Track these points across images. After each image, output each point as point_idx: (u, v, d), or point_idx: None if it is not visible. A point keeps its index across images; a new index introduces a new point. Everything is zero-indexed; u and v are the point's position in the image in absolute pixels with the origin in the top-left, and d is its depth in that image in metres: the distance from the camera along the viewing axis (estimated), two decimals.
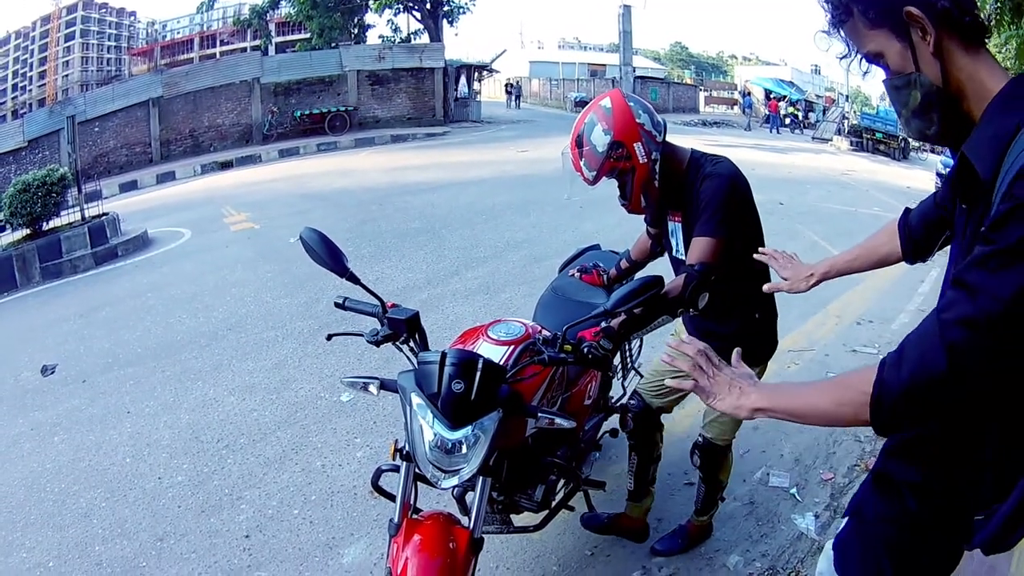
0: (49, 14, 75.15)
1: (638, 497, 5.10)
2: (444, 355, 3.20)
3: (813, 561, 4.91)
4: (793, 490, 5.94)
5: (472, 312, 10.01)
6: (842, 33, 2.11)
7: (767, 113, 56.47)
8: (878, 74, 2.11)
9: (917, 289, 11.99)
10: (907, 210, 3.10)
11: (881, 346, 8.94)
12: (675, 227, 4.37)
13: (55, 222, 17.39)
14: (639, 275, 4.53)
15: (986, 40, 2.01)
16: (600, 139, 3.96)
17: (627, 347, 6.05)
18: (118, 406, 8.26)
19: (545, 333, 3.84)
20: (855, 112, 61.84)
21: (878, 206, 20.97)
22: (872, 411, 1.87)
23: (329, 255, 3.60)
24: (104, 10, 79.54)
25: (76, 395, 8.75)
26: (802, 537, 5.36)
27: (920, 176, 31.68)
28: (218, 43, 72.86)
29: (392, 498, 3.43)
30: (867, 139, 45.41)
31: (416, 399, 3.24)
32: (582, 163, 4.01)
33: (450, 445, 3.17)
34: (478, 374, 3.15)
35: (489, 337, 3.91)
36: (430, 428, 3.19)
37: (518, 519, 4.39)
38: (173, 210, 22.27)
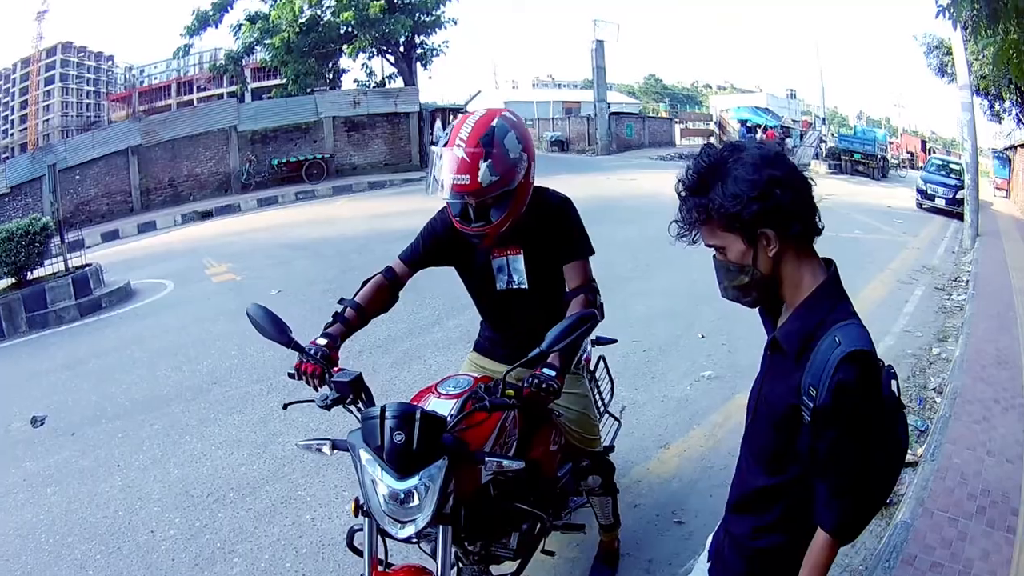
0: (29, 56, 74.84)
1: (615, 528, 5.36)
2: (383, 409, 3.29)
3: None
4: None
5: (453, 362, 9.71)
6: (692, 220, 2.64)
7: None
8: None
9: (902, 310, 12.48)
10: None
11: None
12: (506, 261, 4.30)
13: (39, 272, 17.43)
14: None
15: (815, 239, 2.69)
16: (514, 145, 3.84)
17: (598, 391, 5.94)
18: (108, 459, 8.38)
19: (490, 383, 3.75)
20: (832, 134, 62.11)
21: (859, 228, 21.58)
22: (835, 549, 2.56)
23: (274, 327, 3.90)
24: (83, 54, 79.23)
25: (66, 447, 8.85)
26: None
27: (900, 194, 32.46)
28: (195, 89, 72.68)
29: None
30: (845, 161, 45.97)
31: (364, 454, 3.33)
32: (485, 165, 3.71)
33: (402, 495, 3.23)
34: (417, 423, 3.22)
35: (439, 392, 3.97)
36: (380, 481, 3.28)
37: (498, 569, 4.41)
38: (155, 261, 22.34)
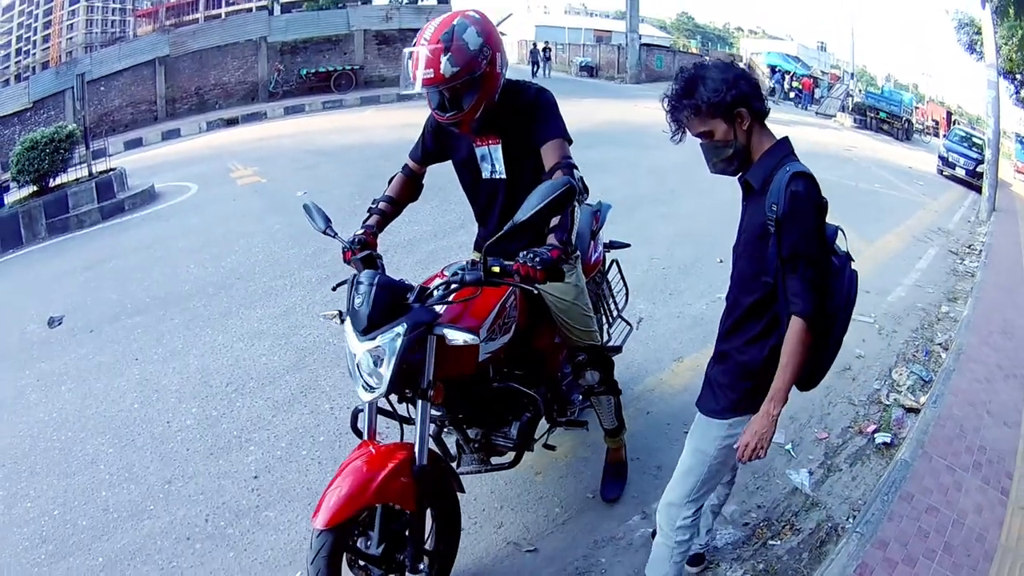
0: None
1: (620, 432, 5.38)
2: (354, 277, 3.77)
3: (807, 516, 5.26)
4: (788, 446, 6.09)
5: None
6: (681, 120, 3.51)
7: (771, 86, 56.43)
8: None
9: (915, 265, 12.28)
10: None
11: (877, 316, 9.11)
12: (488, 151, 4.47)
13: (62, 179, 17.31)
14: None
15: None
16: (473, 39, 3.98)
17: (611, 294, 6.19)
18: (126, 354, 8.24)
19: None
20: (860, 90, 61.71)
21: (879, 182, 21.31)
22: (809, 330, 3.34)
23: (321, 219, 4.28)
24: None
25: (83, 345, 8.72)
26: (796, 492, 5.54)
27: (922, 158, 31.94)
28: (223, 3, 72.37)
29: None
30: (871, 118, 45.25)
31: (347, 322, 3.71)
32: (445, 58, 3.91)
33: (370, 360, 3.55)
34: (373, 289, 3.58)
35: (443, 274, 4.28)
36: (350, 344, 3.64)
37: (495, 459, 4.65)
38: (179, 165, 22.13)
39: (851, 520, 5.18)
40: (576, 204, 4.38)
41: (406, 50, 4.06)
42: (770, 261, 3.40)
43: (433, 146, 4.69)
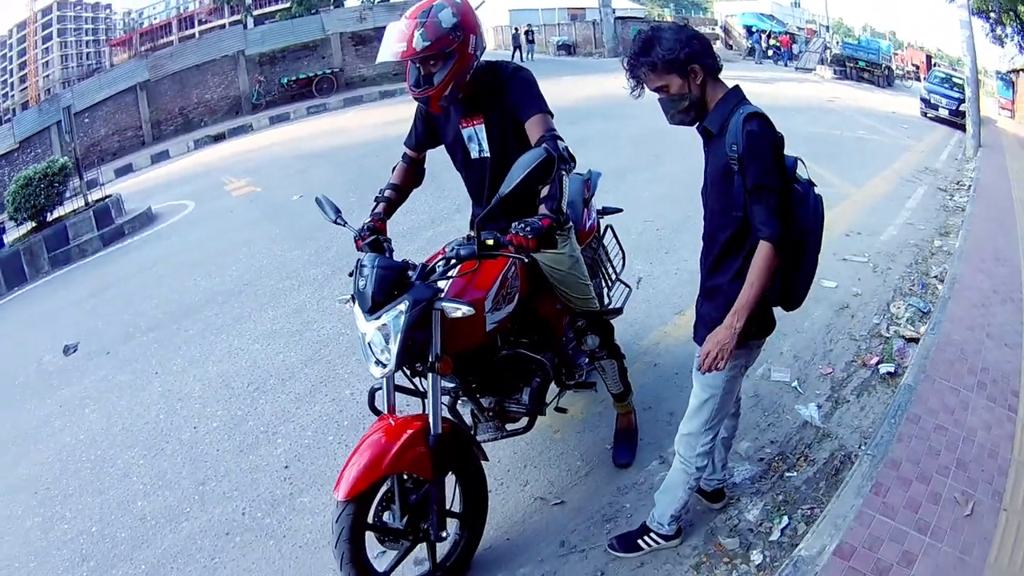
0: (24, 19, 74.63)
1: (626, 396, 5.45)
2: (358, 261, 3.88)
3: (820, 447, 5.43)
4: (795, 383, 6.23)
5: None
6: (639, 76, 3.75)
7: (750, 46, 56.53)
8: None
9: (904, 205, 12.34)
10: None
11: (871, 255, 9.17)
12: (473, 131, 4.58)
13: (59, 212, 17.40)
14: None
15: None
16: (448, 18, 4.07)
17: (608, 259, 6.28)
18: (145, 370, 8.34)
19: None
20: (837, 42, 61.64)
21: (863, 129, 21.31)
22: (776, 253, 3.54)
23: (332, 210, 4.45)
24: (79, 6, 78.98)
25: (102, 367, 8.80)
26: (807, 425, 5.69)
27: (905, 102, 31.89)
28: (196, 23, 72.29)
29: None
30: (850, 67, 45.09)
31: (356, 304, 3.87)
32: (418, 33, 4.01)
33: (379, 339, 3.72)
34: (375, 270, 3.73)
35: (444, 252, 4.26)
36: (358, 323, 3.81)
37: (512, 427, 4.77)
38: (173, 185, 22.30)
39: (862, 447, 5.30)
40: (564, 173, 4.31)
41: (388, 25, 4.15)
42: (737, 196, 3.67)
43: (424, 132, 4.81)
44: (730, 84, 3.82)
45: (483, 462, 4.28)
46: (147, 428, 6.97)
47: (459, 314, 3.73)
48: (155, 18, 77.68)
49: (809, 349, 6.79)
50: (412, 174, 5.00)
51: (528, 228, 3.77)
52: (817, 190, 3.82)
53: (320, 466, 5.79)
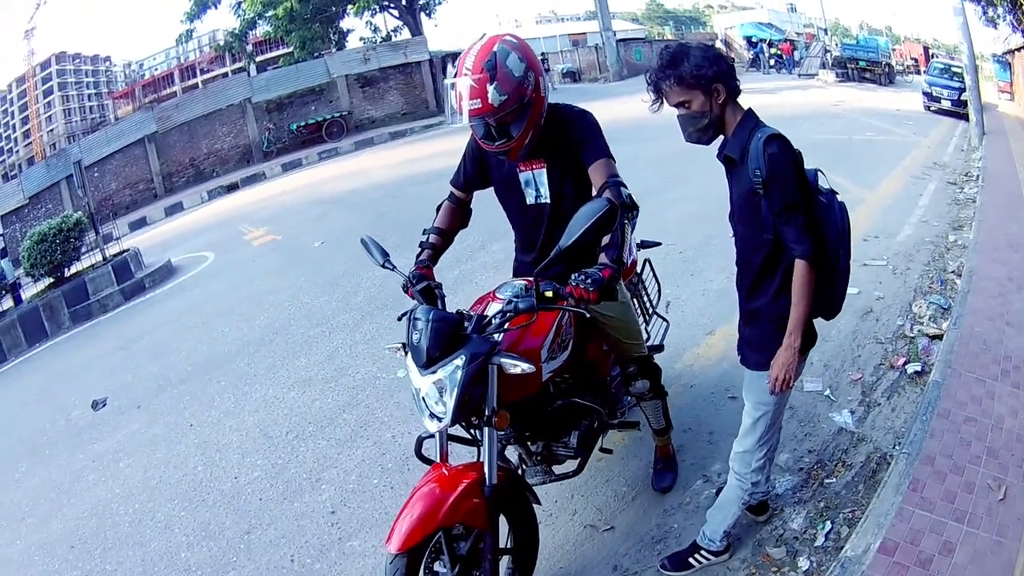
0: (23, 74, 75.10)
1: (667, 431, 5.39)
2: (411, 312, 3.84)
3: (856, 451, 5.56)
4: (827, 392, 6.32)
5: (503, 280, 9.82)
6: (663, 89, 3.80)
7: (752, 56, 56.73)
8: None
9: (917, 203, 12.48)
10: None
11: (889, 258, 9.28)
12: (531, 175, 4.49)
13: (76, 267, 17.40)
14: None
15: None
16: (516, 65, 3.96)
17: (645, 294, 6.21)
18: (179, 422, 8.31)
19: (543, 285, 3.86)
20: (836, 44, 61.90)
21: (870, 131, 21.40)
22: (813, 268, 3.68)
23: (379, 253, 4.35)
24: (78, 59, 79.56)
25: (133, 421, 8.78)
26: (842, 431, 5.83)
27: (908, 98, 32.06)
28: (198, 72, 72.78)
29: (432, 462, 3.94)
30: (852, 69, 45.47)
31: (409, 356, 3.82)
32: (492, 87, 3.89)
33: (433, 392, 3.64)
34: (429, 324, 3.65)
35: (496, 297, 4.25)
36: (412, 377, 3.77)
37: (559, 468, 4.70)
38: (190, 237, 22.35)
39: (897, 447, 5.43)
40: (627, 221, 4.35)
41: (447, 81, 4.07)
42: (765, 219, 3.75)
43: (474, 172, 4.70)
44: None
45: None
46: (185, 480, 6.94)
47: (518, 370, 3.69)
48: (156, 69, 78.60)
49: (838, 357, 6.87)
50: (459, 215, 4.90)
51: (590, 280, 3.68)
52: (839, 197, 3.94)
53: (367, 509, 5.76)
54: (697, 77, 3.68)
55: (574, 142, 4.30)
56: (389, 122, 41.46)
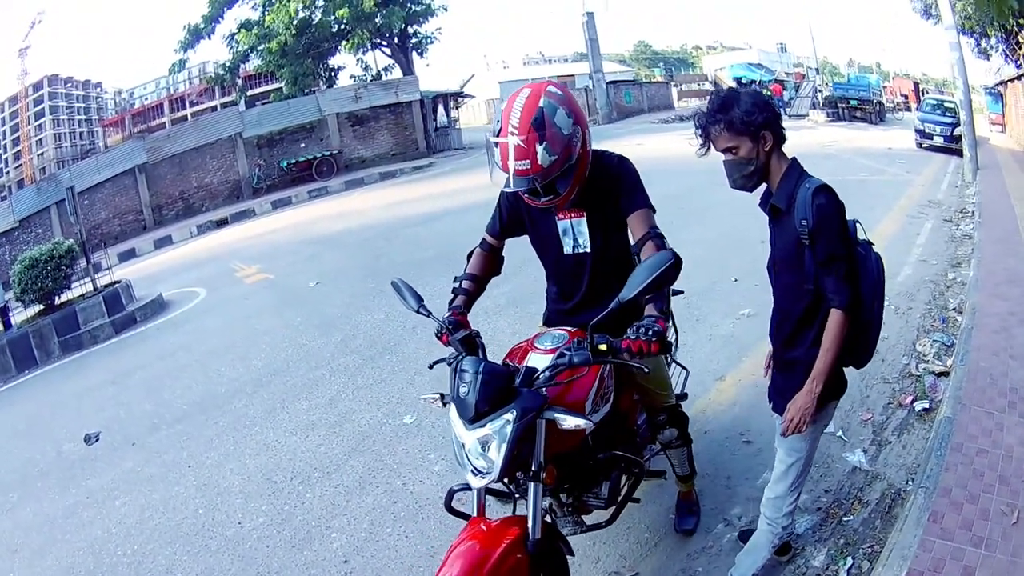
0: (16, 94, 74.93)
1: (691, 477, 5.41)
2: (457, 363, 3.72)
3: (871, 488, 5.72)
4: (839, 433, 6.45)
5: (508, 325, 10.20)
6: (711, 134, 3.89)
7: None
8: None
9: (915, 242, 12.78)
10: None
11: (891, 298, 9.29)
12: (570, 224, 4.43)
13: (67, 295, 17.31)
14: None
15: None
16: (565, 122, 3.88)
17: None
18: (176, 462, 8.23)
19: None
20: (827, 83, 62.47)
21: (864, 171, 21.78)
22: (848, 318, 3.80)
23: (413, 297, 4.21)
24: (70, 84, 79.47)
25: (128, 458, 8.69)
26: (856, 470, 6.00)
27: (899, 136, 32.65)
28: (187, 104, 72.81)
29: (465, 517, 3.77)
30: (842, 108, 46.43)
31: (452, 407, 3.66)
32: (541, 148, 3.79)
33: (479, 446, 3.49)
34: (479, 376, 3.50)
35: (536, 348, 4.19)
36: (456, 430, 3.59)
37: (589, 518, 4.56)
38: (180, 271, 22.30)
39: (911, 483, 5.63)
40: None
41: (491, 139, 3.91)
42: (808, 269, 3.86)
43: (509, 220, 4.65)
44: None
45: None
46: (186, 523, 6.85)
47: (570, 425, 3.59)
48: (146, 98, 78.52)
49: (848, 398, 6.70)
50: (491, 263, 4.83)
51: (651, 332, 3.55)
52: (876, 248, 4.06)
53: (383, 559, 5.68)
54: (747, 123, 3.77)
55: (613, 191, 4.26)
56: (379, 162, 41.77)
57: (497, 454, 3.44)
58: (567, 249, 4.49)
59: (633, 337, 3.56)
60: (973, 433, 5.98)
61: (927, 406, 6.87)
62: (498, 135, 3.85)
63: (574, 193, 4.11)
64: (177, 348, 13.46)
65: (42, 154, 73.55)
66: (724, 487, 5.89)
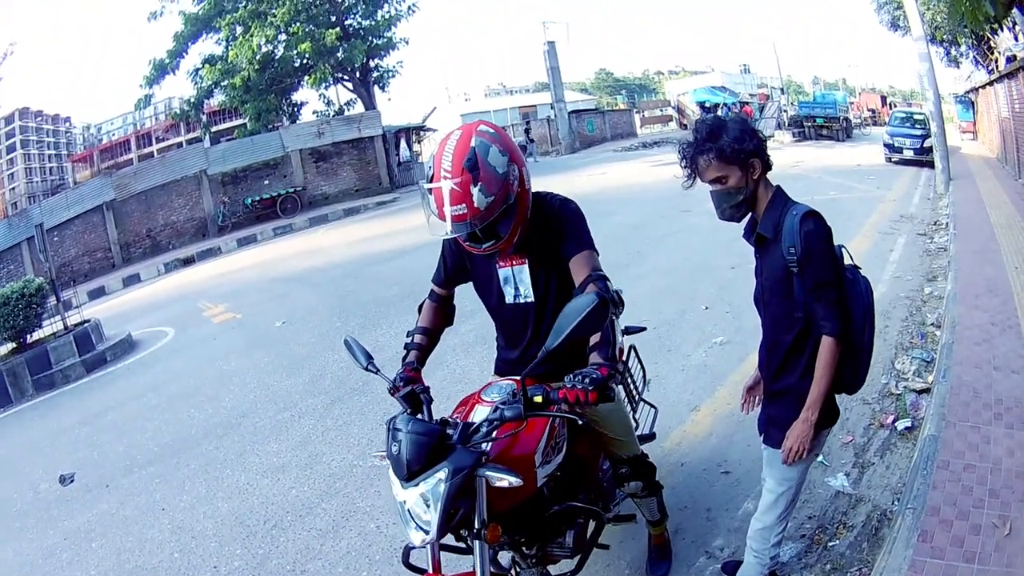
0: None
1: (663, 521, 5.36)
2: (390, 421, 3.59)
3: (855, 512, 5.79)
4: (820, 458, 6.42)
5: (476, 363, 10.23)
6: (699, 164, 3.94)
7: None
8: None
9: (888, 259, 12.97)
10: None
11: None
12: (511, 273, 4.30)
13: (38, 334, 17.32)
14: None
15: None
16: (499, 160, 3.74)
17: (631, 381, 5.99)
18: (150, 505, 8.31)
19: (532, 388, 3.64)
20: (792, 103, 62.45)
21: (833, 190, 21.89)
22: (840, 345, 3.83)
23: (363, 356, 4.22)
24: (40, 118, 79.13)
25: (103, 500, 8.77)
26: (839, 494, 6.06)
27: (868, 152, 33.03)
28: (154, 140, 72.63)
29: (422, 571, 3.62)
30: (808, 127, 46.30)
31: (391, 467, 3.51)
32: (476, 189, 3.63)
33: (417, 503, 3.35)
34: (408, 436, 3.39)
35: (482, 400, 4.07)
36: (394, 489, 3.50)
37: (555, 568, 4.57)
38: (149, 310, 22.25)
39: (896, 503, 5.69)
40: (615, 317, 4.14)
41: (424, 185, 3.76)
42: (797, 297, 3.87)
43: (454, 269, 4.56)
44: None
45: None
46: (162, 567, 6.94)
47: (504, 484, 3.43)
48: (113, 134, 78.34)
49: None
50: (442, 314, 4.74)
51: (588, 380, 3.39)
52: (863, 272, 4.08)
53: None
54: (736, 151, 3.81)
55: (555, 234, 4.11)
56: (343, 198, 41.83)
57: (433, 513, 3.32)
58: (509, 299, 4.38)
59: (569, 386, 3.45)
60: (959, 449, 6.03)
61: (909, 424, 7.00)
62: (431, 181, 3.72)
63: (516, 235, 3.98)
64: (147, 389, 13.48)
65: (13, 188, 73.13)
66: (704, 519, 5.93)
